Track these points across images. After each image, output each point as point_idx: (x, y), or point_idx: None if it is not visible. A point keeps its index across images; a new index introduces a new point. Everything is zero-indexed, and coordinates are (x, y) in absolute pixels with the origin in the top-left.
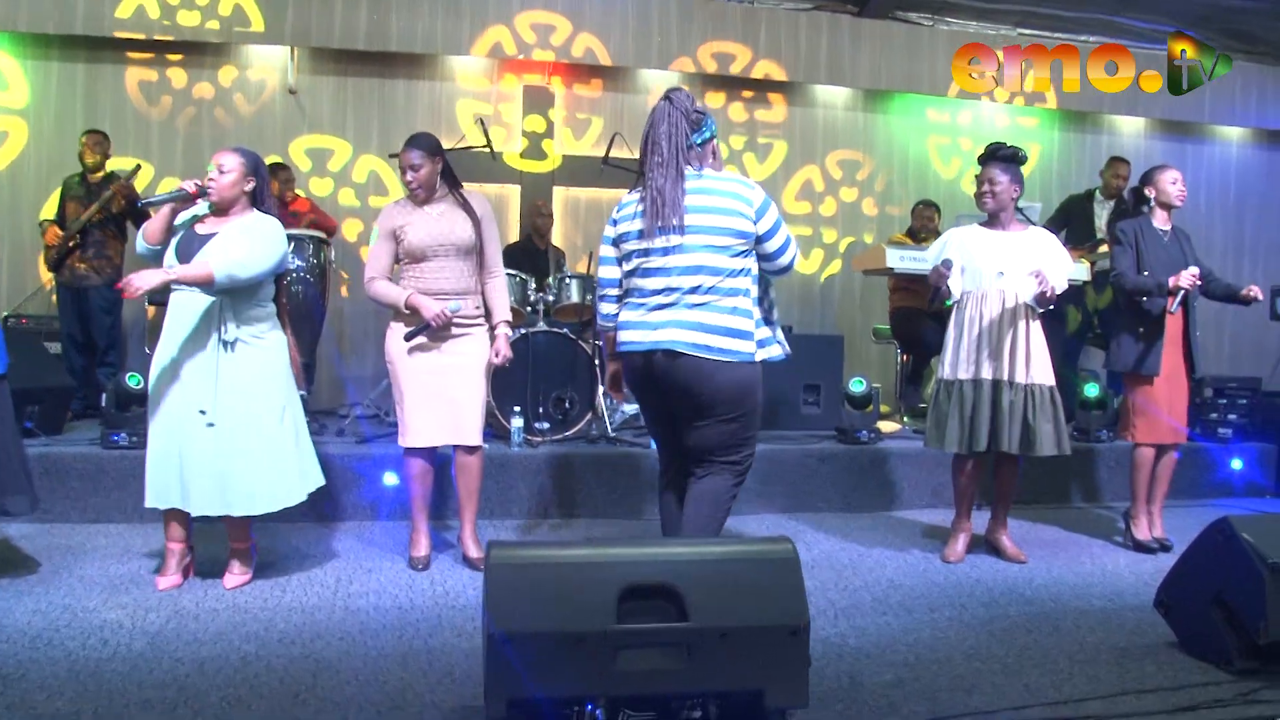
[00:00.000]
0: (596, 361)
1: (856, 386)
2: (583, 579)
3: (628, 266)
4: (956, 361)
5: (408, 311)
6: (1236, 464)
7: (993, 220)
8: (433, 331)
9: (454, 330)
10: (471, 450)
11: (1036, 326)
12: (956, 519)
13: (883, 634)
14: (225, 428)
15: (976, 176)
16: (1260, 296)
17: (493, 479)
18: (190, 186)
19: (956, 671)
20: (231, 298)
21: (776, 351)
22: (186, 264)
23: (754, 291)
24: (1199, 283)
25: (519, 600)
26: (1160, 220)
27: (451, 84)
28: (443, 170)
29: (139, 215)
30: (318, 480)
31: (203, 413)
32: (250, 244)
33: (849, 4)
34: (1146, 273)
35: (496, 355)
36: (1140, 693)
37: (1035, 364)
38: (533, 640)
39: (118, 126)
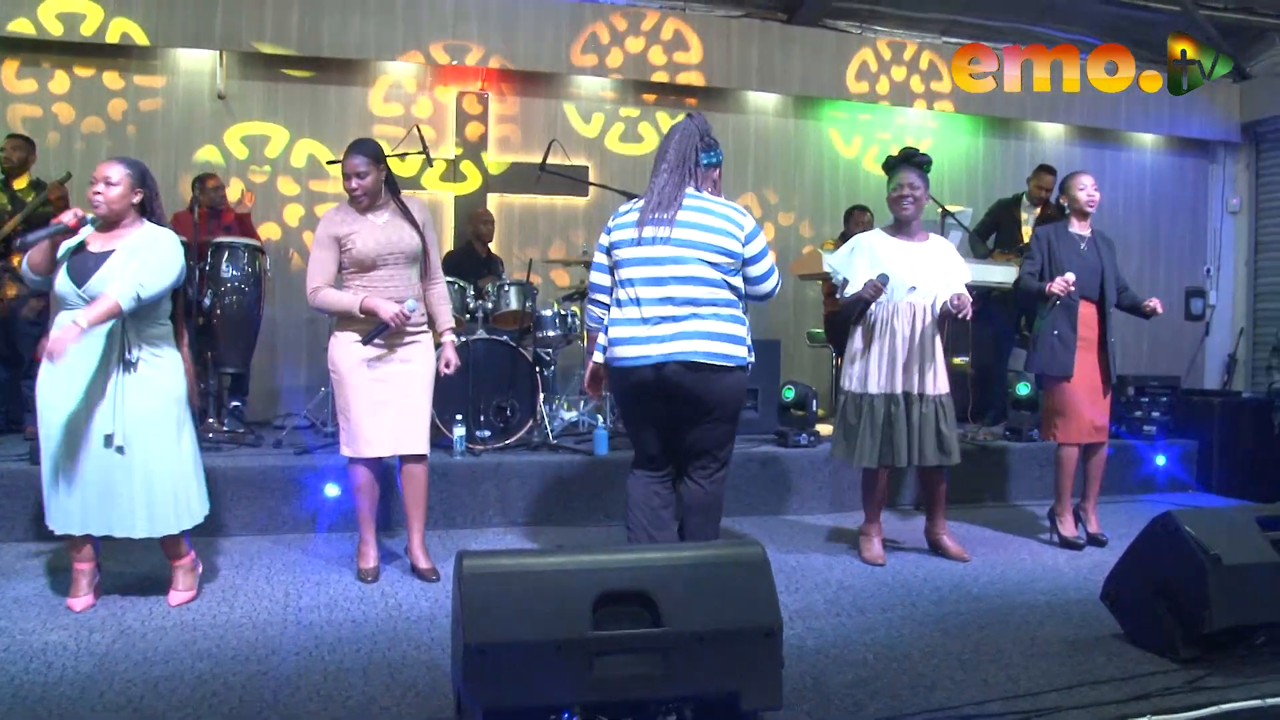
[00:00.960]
0: (537, 368)
1: (787, 395)
2: (557, 587)
3: (620, 275)
4: (866, 375)
5: (363, 316)
6: (1160, 460)
7: (902, 228)
8: (389, 334)
9: (403, 339)
10: (419, 459)
11: (939, 338)
12: (869, 524)
13: (839, 635)
14: (133, 450)
15: (890, 181)
16: (1161, 310)
17: (436, 488)
18: (69, 218)
19: (916, 669)
20: (133, 317)
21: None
22: (89, 306)
23: (743, 303)
24: (1071, 289)
25: (493, 610)
26: (1077, 226)
27: (384, 90)
28: (387, 181)
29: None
30: (207, 504)
31: (109, 437)
32: (148, 260)
33: (779, 12)
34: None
35: (447, 365)
36: (1094, 683)
37: (941, 375)
38: (508, 650)
39: (39, 132)
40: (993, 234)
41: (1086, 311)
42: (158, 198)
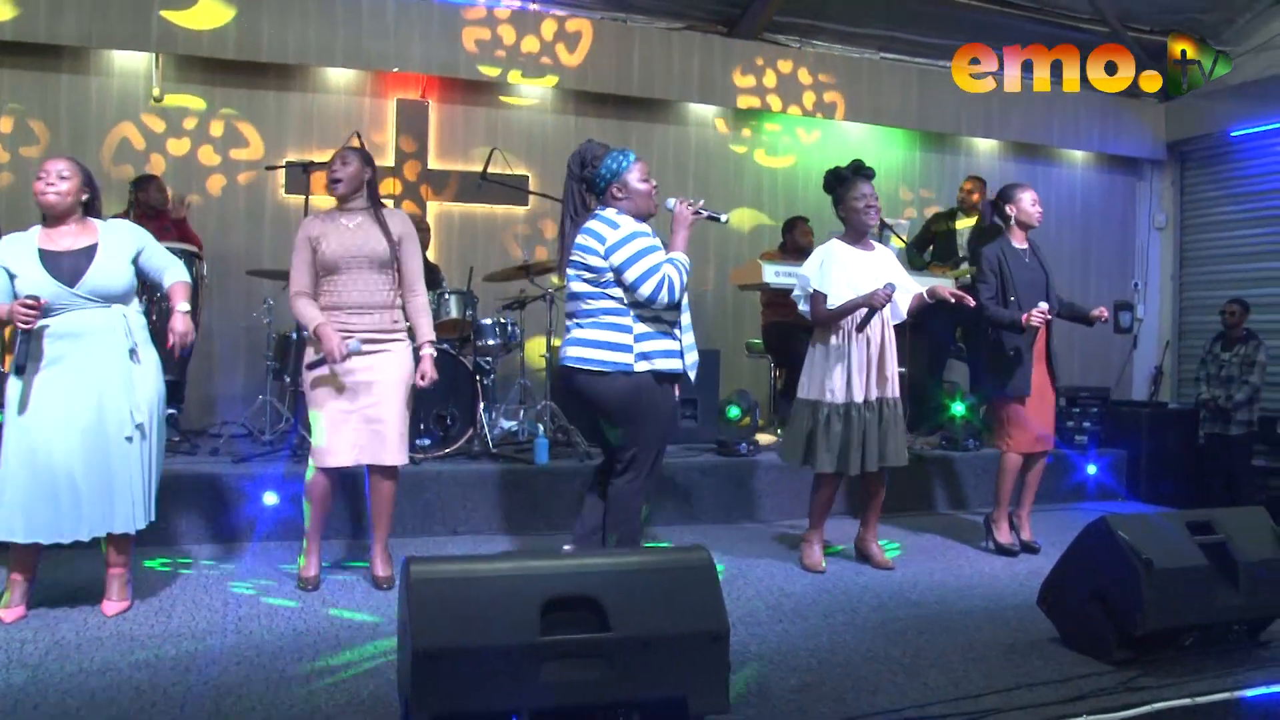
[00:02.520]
0: (477, 377)
1: (733, 414)
2: (504, 593)
3: None
4: (829, 383)
5: (314, 338)
6: (1091, 469)
7: (859, 238)
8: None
9: (369, 347)
10: (386, 472)
11: (894, 344)
12: (813, 530)
13: (782, 641)
14: (139, 441)
15: (849, 193)
16: (1106, 317)
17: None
18: (20, 321)
19: (859, 674)
20: (127, 308)
21: (665, 364)
22: (183, 292)
23: (634, 311)
24: (1049, 318)
25: (441, 616)
26: (1018, 240)
27: (323, 96)
28: (368, 184)
29: None
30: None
31: (140, 425)
32: (148, 240)
33: (720, 25)
34: (1013, 299)
35: (423, 378)
36: (1032, 685)
37: (894, 380)
38: (456, 655)
39: None
40: (929, 246)
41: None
42: (99, 198)
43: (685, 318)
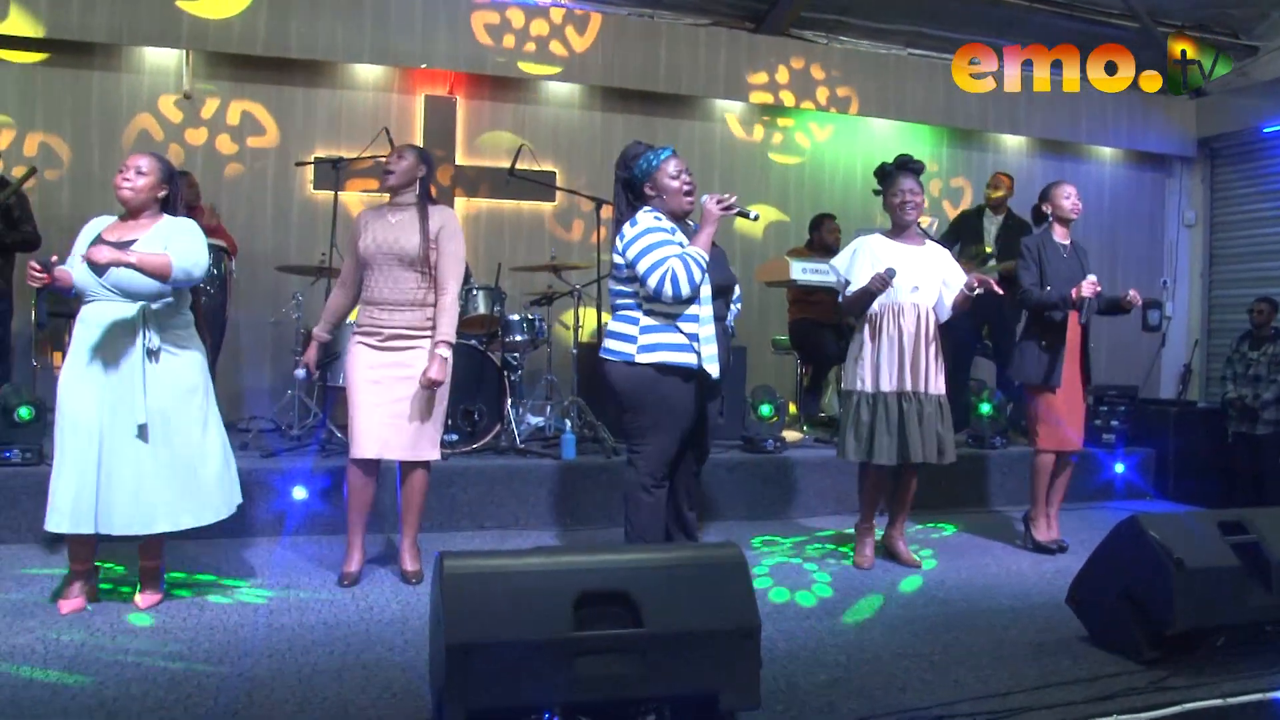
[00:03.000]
0: (505, 373)
1: (765, 411)
2: (538, 587)
3: None
4: (880, 374)
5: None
6: (1119, 468)
7: (900, 231)
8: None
9: (400, 343)
10: (416, 466)
11: (939, 340)
12: (865, 523)
13: (810, 637)
14: (153, 440)
15: (890, 188)
16: (1139, 301)
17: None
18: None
19: (887, 671)
20: (155, 310)
21: (668, 357)
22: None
23: (645, 306)
24: (1099, 289)
25: (475, 610)
26: (1059, 235)
27: (351, 92)
28: (421, 180)
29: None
30: (238, 497)
31: (142, 425)
32: (187, 246)
33: (746, 21)
34: (1049, 288)
35: (424, 377)
36: (1060, 684)
37: (940, 375)
38: (491, 650)
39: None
40: (956, 244)
41: (1070, 320)
42: (180, 199)
43: (705, 311)
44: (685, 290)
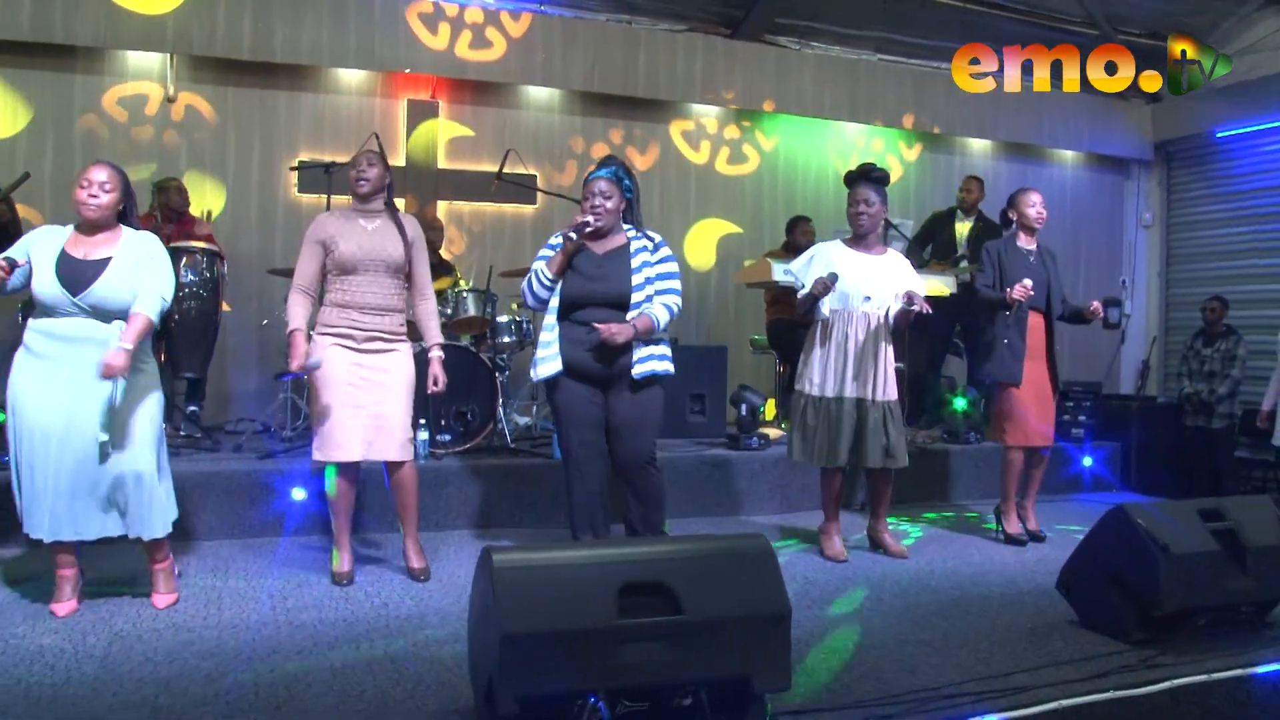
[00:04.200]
0: (496, 374)
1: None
2: (584, 579)
3: None
4: (825, 379)
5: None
6: (1088, 461)
7: (859, 240)
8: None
9: (378, 345)
10: (402, 465)
11: (890, 347)
12: (829, 521)
13: (816, 626)
14: (127, 451)
15: (850, 196)
16: (1101, 313)
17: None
18: None
19: (894, 655)
20: (122, 324)
21: (542, 370)
22: (130, 328)
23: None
24: (1030, 293)
25: (525, 601)
26: (1024, 241)
27: (335, 96)
28: (388, 187)
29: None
30: (175, 512)
31: (105, 440)
32: (158, 269)
33: (722, 26)
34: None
35: (435, 383)
36: (1057, 664)
37: (890, 382)
38: (541, 639)
39: None
40: (929, 244)
41: (1035, 322)
42: (136, 205)
43: (549, 319)
44: (529, 300)
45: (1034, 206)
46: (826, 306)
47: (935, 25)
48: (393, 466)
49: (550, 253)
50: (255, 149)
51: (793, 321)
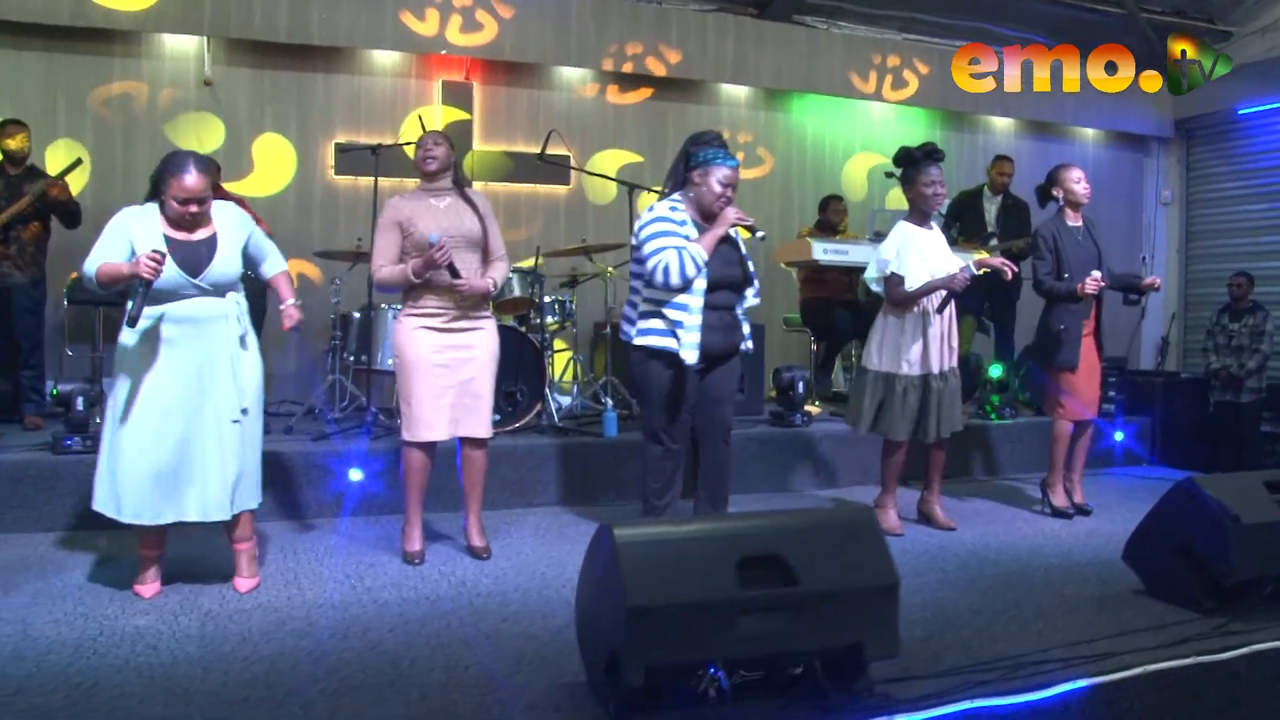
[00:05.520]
0: (543, 354)
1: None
2: (704, 552)
3: None
4: (905, 355)
5: (417, 280)
6: (1119, 436)
7: (925, 219)
8: (442, 273)
9: (462, 324)
10: (479, 444)
11: (953, 318)
12: (887, 495)
13: None
14: (246, 425)
15: (918, 176)
16: (1159, 285)
17: (453, 473)
18: (147, 272)
19: (971, 625)
20: (238, 294)
21: (652, 341)
22: (288, 287)
23: (644, 292)
24: (1102, 285)
25: (649, 575)
26: (1071, 218)
27: (370, 78)
28: (456, 167)
29: (65, 211)
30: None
31: (244, 412)
32: (264, 238)
33: (751, 7)
34: (1068, 274)
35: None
36: (1134, 632)
37: (955, 353)
38: (666, 611)
39: (17, 115)
40: (956, 223)
41: (1085, 305)
42: (220, 187)
43: (694, 302)
44: (675, 280)
45: (1079, 182)
46: (909, 286)
47: (960, 6)
48: (469, 444)
49: (674, 227)
50: (292, 131)
51: (827, 300)
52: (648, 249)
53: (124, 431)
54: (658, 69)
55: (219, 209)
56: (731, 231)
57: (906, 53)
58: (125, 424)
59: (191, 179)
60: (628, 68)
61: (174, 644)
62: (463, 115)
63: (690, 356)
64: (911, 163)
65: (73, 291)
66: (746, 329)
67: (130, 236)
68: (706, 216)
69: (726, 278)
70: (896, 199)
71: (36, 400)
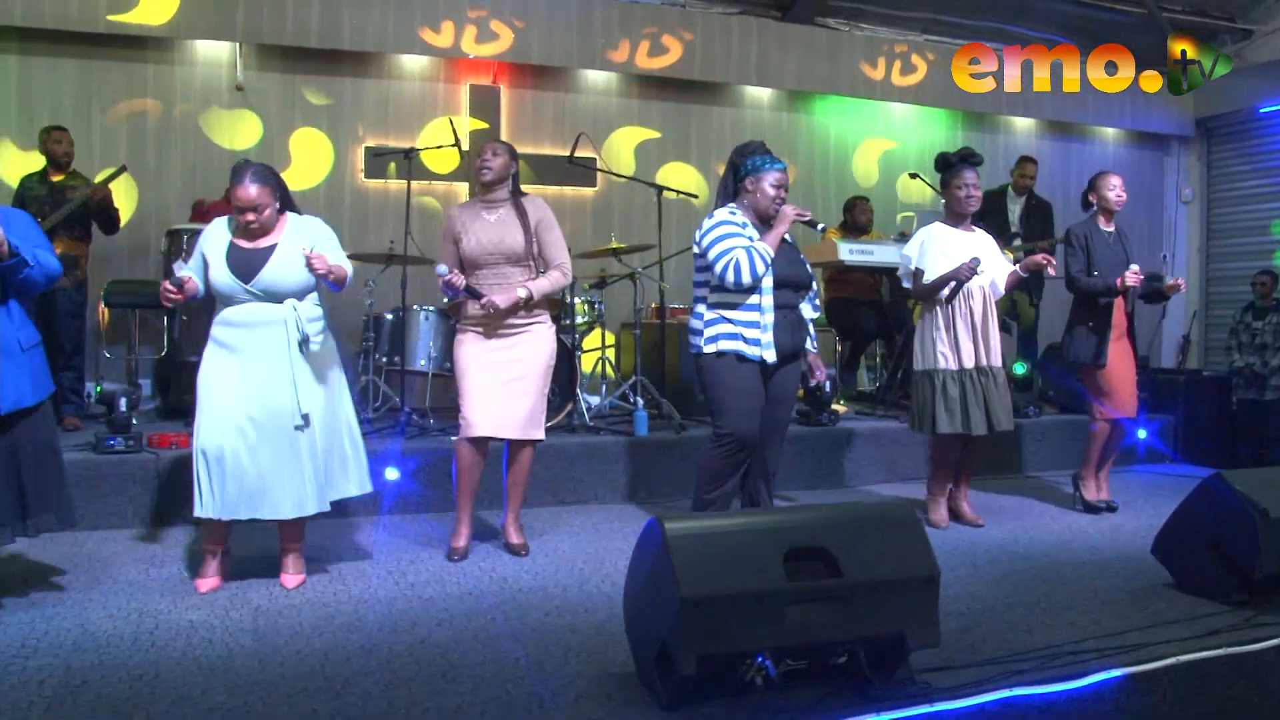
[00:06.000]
0: (574, 355)
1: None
2: (752, 545)
3: None
4: (957, 352)
5: (446, 304)
6: (1142, 434)
7: (960, 220)
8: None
9: (513, 328)
10: (525, 445)
11: (995, 316)
12: (940, 489)
13: None
14: (309, 428)
15: (954, 179)
16: (1183, 287)
17: (486, 470)
18: (164, 300)
19: (1007, 618)
20: (300, 301)
21: (726, 345)
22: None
23: (710, 299)
24: (1142, 278)
25: (701, 566)
26: (1104, 223)
27: (398, 83)
28: (514, 177)
29: (106, 217)
30: (366, 484)
31: (305, 417)
32: (333, 247)
33: (773, 9)
34: (1096, 273)
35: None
36: (1166, 624)
37: (998, 349)
38: (717, 601)
39: (55, 122)
40: (979, 223)
41: (1117, 301)
42: (289, 192)
43: (765, 301)
44: (746, 278)
45: (1114, 190)
46: (948, 286)
47: (981, 6)
48: (516, 445)
49: (737, 229)
50: (322, 135)
51: (852, 299)
52: (714, 251)
53: (204, 434)
54: (681, 72)
55: (299, 222)
56: (787, 236)
57: (927, 53)
58: (205, 428)
59: (245, 188)
60: (652, 70)
61: (228, 637)
62: (481, 125)
63: (770, 355)
64: (947, 166)
65: (110, 294)
66: (811, 328)
67: (203, 248)
68: (764, 221)
69: (791, 276)
70: (919, 199)
71: (76, 402)
